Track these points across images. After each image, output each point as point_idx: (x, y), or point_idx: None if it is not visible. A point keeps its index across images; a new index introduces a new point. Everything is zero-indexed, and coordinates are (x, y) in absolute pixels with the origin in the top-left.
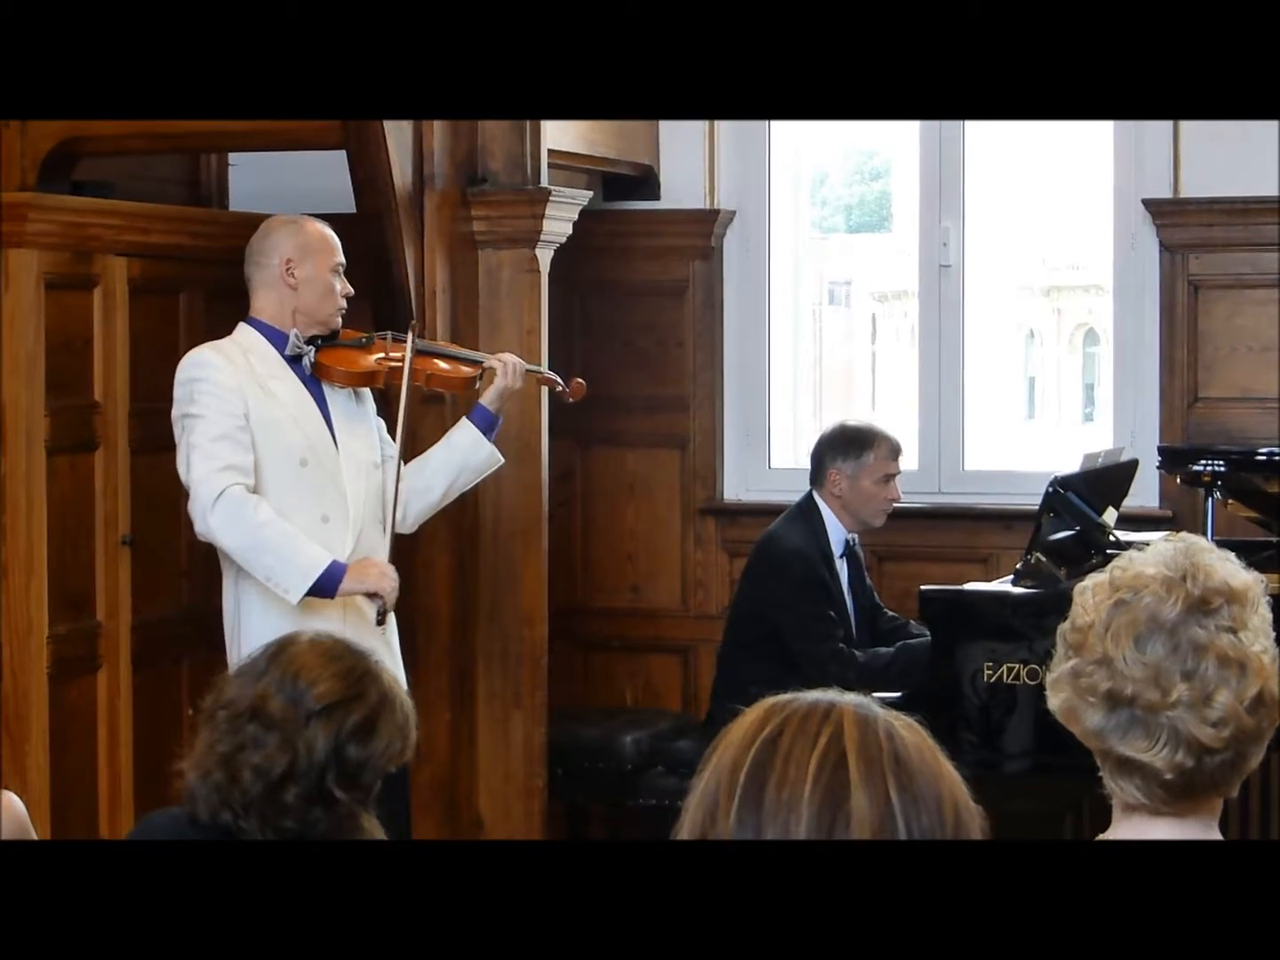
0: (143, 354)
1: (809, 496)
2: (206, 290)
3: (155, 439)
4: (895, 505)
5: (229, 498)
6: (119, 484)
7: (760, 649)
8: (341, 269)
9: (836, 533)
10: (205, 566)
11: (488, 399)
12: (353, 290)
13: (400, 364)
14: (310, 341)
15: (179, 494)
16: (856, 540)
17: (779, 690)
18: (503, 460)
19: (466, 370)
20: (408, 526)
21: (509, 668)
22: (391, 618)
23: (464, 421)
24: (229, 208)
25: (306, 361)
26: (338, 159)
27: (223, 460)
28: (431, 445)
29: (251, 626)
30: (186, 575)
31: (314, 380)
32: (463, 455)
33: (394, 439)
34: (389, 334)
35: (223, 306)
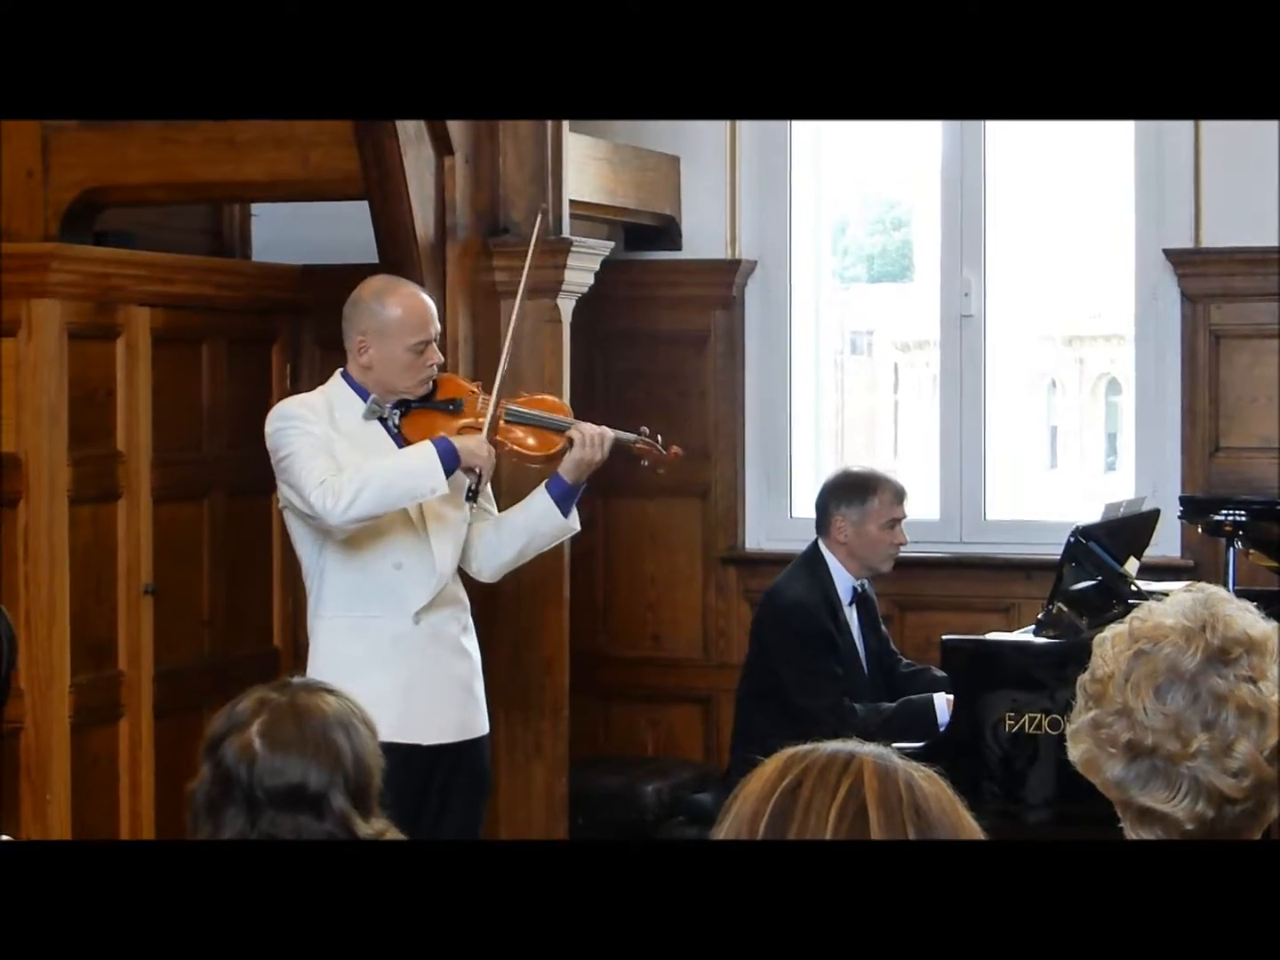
0: (165, 404)
1: (814, 546)
2: (229, 340)
3: (177, 489)
4: (920, 555)
5: (334, 490)
6: (141, 533)
7: (773, 700)
8: (425, 345)
9: (843, 581)
10: (227, 615)
11: (564, 467)
12: (442, 358)
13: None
14: (400, 403)
15: (200, 543)
16: (867, 585)
17: (798, 741)
18: (577, 529)
19: (550, 443)
20: (485, 577)
21: (530, 717)
22: (475, 670)
23: (540, 489)
24: (251, 258)
25: (391, 424)
26: (360, 209)
27: (321, 472)
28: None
29: (320, 660)
30: (208, 624)
31: (399, 439)
32: (534, 521)
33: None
34: (480, 397)
35: (245, 356)
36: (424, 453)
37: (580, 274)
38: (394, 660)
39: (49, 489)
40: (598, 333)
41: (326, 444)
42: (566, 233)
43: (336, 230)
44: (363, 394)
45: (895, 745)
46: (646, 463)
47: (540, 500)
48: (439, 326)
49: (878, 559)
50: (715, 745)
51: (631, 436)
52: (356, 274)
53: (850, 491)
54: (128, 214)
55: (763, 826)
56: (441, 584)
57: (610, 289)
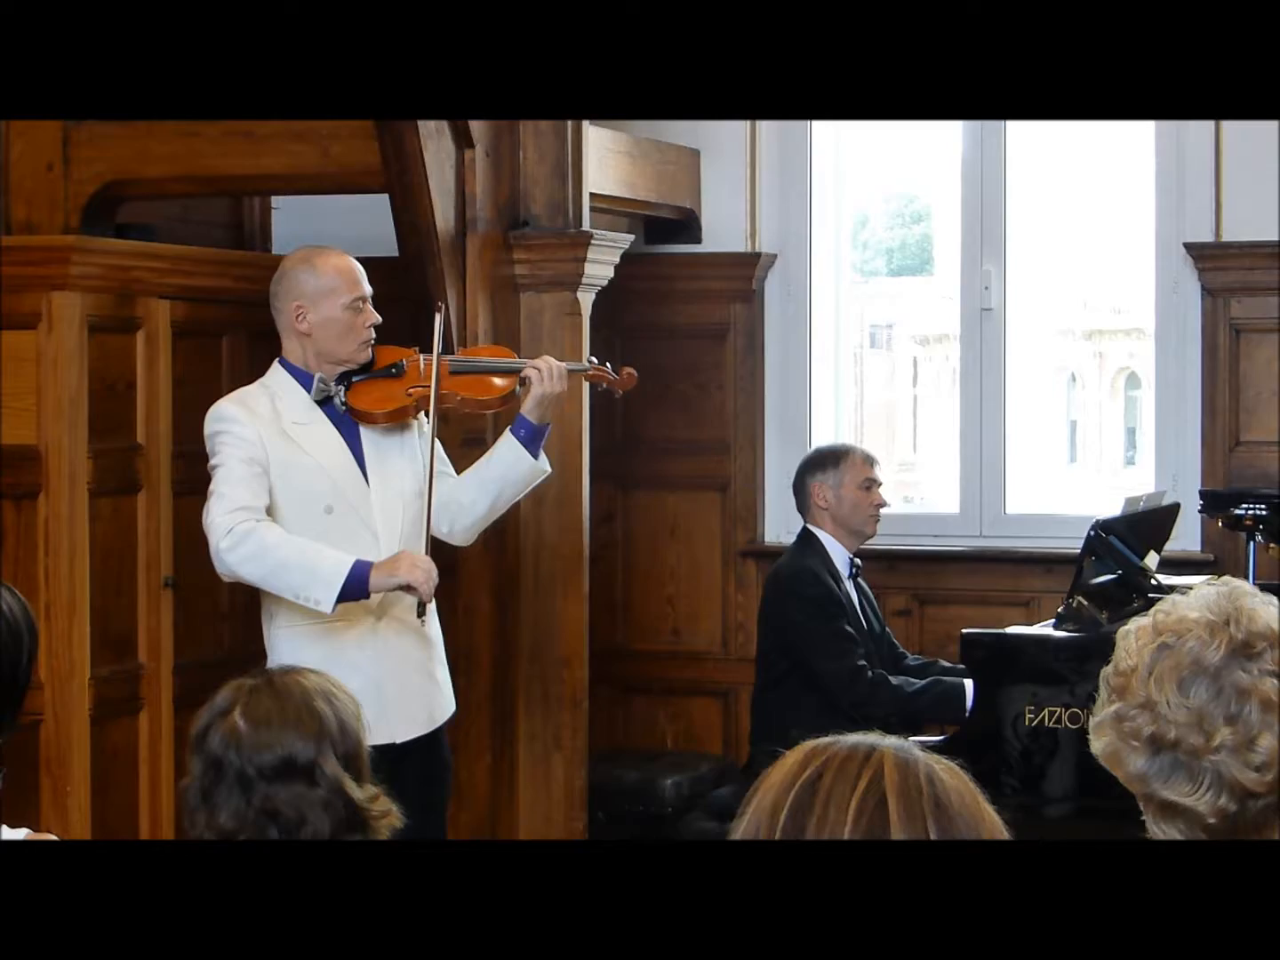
0: (185, 396)
1: (803, 529)
2: (249, 333)
3: (197, 481)
4: (939, 548)
5: (238, 532)
6: (161, 526)
7: (789, 687)
8: (363, 302)
9: (839, 554)
10: (246, 608)
11: (527, 408)
12: (379, 318)
13: (429, 388)
14: (341, 377)
15: None
16: (860, 567)
17: (818, 731)
18: (549, 471)
19: (500, 386)
20: (459, 539)
21: (549, 710)
22: (435, 615)
23: (506, 434)
24: (272, 251)
25: (338, 402)
26: (380, 202)
27: (237, 502)
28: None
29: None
30: (228, 617)
31: (347, 418)
32: (504, 469)
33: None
34: (421, 357)
35: (265, 349)
36: (337, 566)
37: (600, 267)
38: (361, 662)
39: (69, 481)
40: (617, 326)
41: (258, 449)
42: (586, 226)
43: (357, 223)
44: (302, 378)
45: (916, 739)
46: (604, 387)
47: (508, 446)
48: (370, 288)
49: (860, 520)
50: (734, 738)
51: (582, 366)
52: (377, 267)
53: (823, 461)
54: (148, 207)
55: (783, 818)
56: None
57: (630, 282)
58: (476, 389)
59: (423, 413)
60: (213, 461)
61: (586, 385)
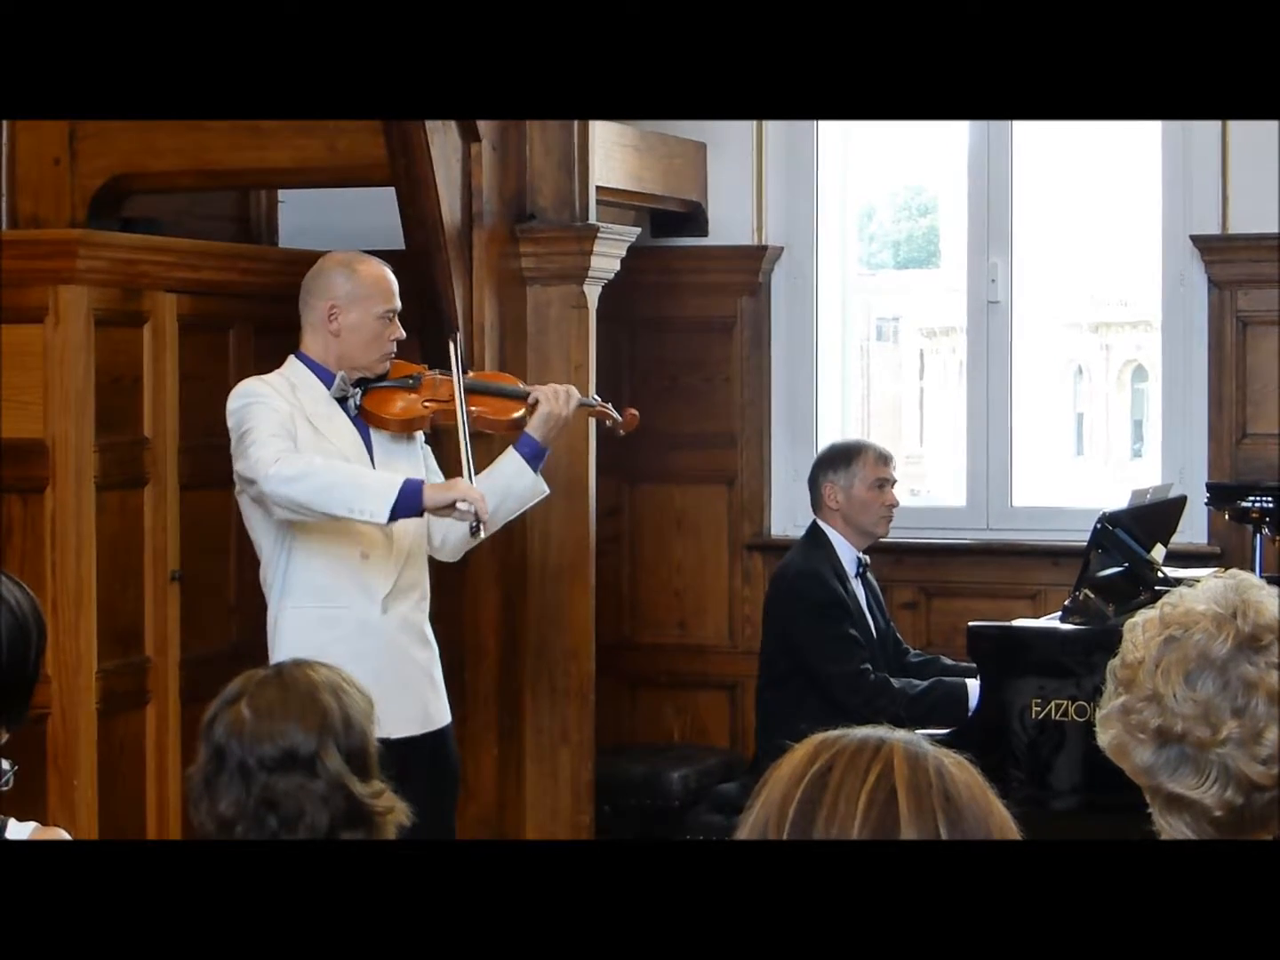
0: (192, 390)
1: (813, 524)
2: (256, 326)
3: (204, 475)
4: (946, 541)
5: (285, 459)
6: (168, 520)
7: (792, 685)
8: (393, 315)
9: (847, 553)
10: (253, 601)
11: (532, 426)
12: (404, 334)
13: (446, 404)
14: (358, 383)
15: (227, 529)
16: (868, 564)
17: (825, 725)
18: (547, 491)
19: (512, 408)
20: (448, 556)
21: (556, 703)
22: (429, 628)
23: (509, 449)
24: (278, 244)
25: (352, 404)
26: (387, 196)
27: (279, 446)
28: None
29: (284, 648)
30: (235, 610)
31: (359, 420)
32: (505, 482)
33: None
34: (436, 372)
35: (272, 343)
36: (387, 481)
37: (607, 260)
38: (363, 651)
39: (76, 475)
40: (624, 319)
41: (288, 421)
42: (593, 219)
43: (363, 217)
44: (321, 373)
45: (921, 731)
46: (609, 424)
47: (510, 460)
48: (400, 304)
49: (871, 521)
50: (741, 732)
51: (588, 401)
52: (383, 260)
53: (836, 459)
54: (155, 201)
55: (792, 812)
56: (400, 563)
57: (637, 275)
58: (490, 408)
59: (422, 433)
60: (244, 427)
61: (590, 384)
